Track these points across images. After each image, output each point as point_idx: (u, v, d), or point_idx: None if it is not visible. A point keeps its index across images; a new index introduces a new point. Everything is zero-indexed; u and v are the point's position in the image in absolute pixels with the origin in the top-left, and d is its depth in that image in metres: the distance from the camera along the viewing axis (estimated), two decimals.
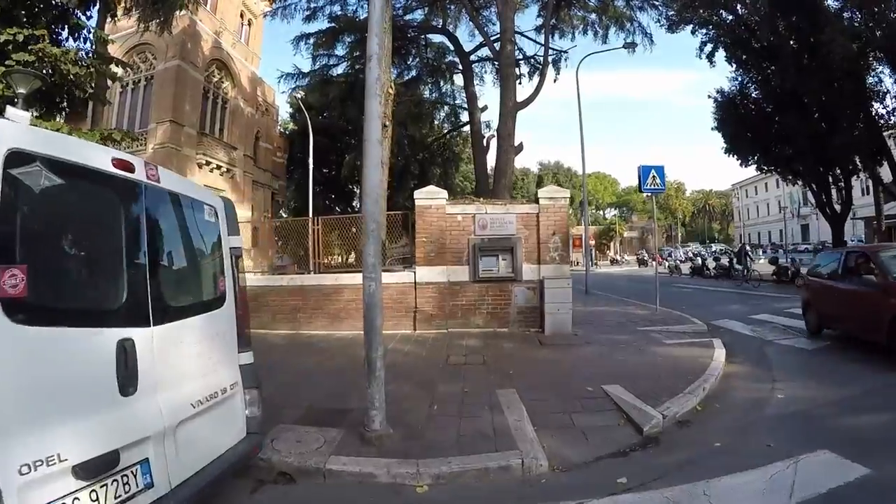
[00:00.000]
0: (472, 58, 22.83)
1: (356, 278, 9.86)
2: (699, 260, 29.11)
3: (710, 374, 6.13)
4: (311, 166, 21.10)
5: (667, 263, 35.30)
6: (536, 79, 21.08)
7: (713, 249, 44.62)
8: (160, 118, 22.44)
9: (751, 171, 29.22)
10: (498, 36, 18.97)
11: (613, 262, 53.95)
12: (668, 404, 5.01)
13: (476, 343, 8.52)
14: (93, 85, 11.24)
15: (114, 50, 23.51)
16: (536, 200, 9.73)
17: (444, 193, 9.85)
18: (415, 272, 9.70)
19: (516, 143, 16.66)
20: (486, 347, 8.15)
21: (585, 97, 21.11)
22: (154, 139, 22.39)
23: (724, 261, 24.80)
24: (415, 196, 9.76)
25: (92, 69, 10.67)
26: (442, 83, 26.31)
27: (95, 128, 11.59)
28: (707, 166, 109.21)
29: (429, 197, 9.72)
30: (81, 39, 11.51)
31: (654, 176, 11.98)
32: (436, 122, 29.00)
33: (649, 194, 12.82)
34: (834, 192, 21.10)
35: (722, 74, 65.12)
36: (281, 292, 10.31)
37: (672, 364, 6.73)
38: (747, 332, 9.41)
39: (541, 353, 7.78)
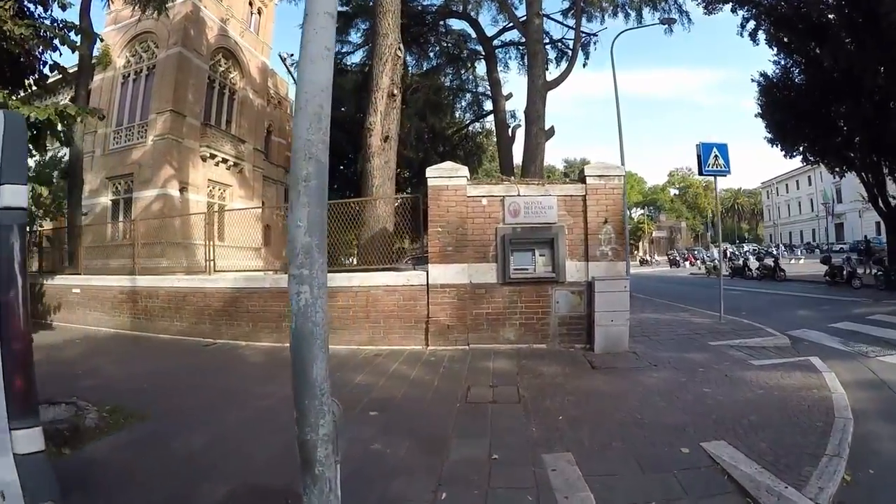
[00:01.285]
0: (496, 42, 21.64)
1: (353, 279, 7.92)
2: (740, 260, 26.87)
3: (844, 419, 4.22)
4: None
5: (700, 263, 33.47)
6: (564, 64, 19.93)
7: (745, 249, 42.17)
8: (160, 108, 21.03)
9: (781, 168, 27.01)
10: (523, 18, 17.53)
11: (643, 262, 52.23)
12: (816, 481, 3.10)
13: (506, 366, 6.44)
14: (49, 52, 9.73)
15: (116, 38, 22.56)
16: (582, 180, 7.57)
17: (465, 171, 7.71)
18: (427, 271, 7.65)
19: (546, 127, 14.78)
20: (521, 373, 6.07)
21: (608, 94, 19.40)
22: (154, 130, 21.02)
23: (769, 261, 22.70)
24: (427, 174, 7.63)
25: (45, 32, 9.17)
26: (463, 72, 24.96)
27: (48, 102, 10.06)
28: (736, 164, 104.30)
29: (444, 175, 7.60)
30: (42, 6, 9.98)
31: (716, 155, 10.03)
32: (457, 113, 27.49)
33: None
34: (891, 184, 18.63)
35: (751, 67, 62.26)
36: (264, 296, 8.47)
37: (780, 400, 4.76)
38: (838, 345, 7.36)
39: (596, 383, 5.64)
